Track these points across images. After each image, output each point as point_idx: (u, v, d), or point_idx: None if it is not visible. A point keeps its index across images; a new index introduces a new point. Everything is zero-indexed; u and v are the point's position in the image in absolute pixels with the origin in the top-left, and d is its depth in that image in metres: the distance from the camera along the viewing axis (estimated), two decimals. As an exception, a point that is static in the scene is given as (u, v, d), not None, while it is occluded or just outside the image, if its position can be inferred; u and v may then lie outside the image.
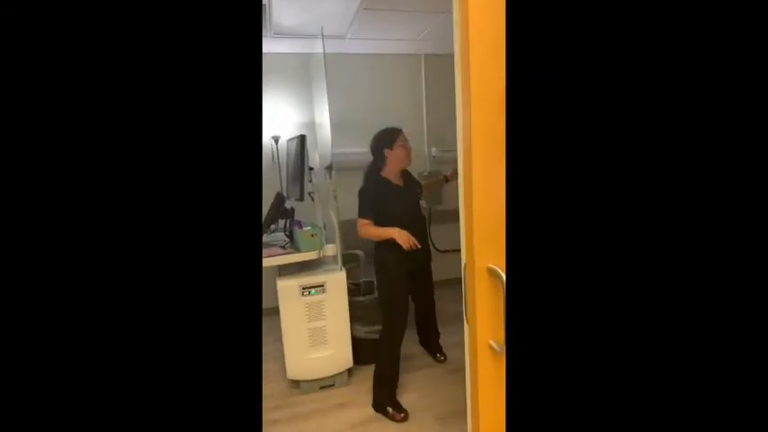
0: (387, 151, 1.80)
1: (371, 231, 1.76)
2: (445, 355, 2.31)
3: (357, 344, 2.15)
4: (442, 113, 3.29)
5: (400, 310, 1.81)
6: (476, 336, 0.85)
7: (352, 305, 2.09)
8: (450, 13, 2.35)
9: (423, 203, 1.90)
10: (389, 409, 1.84)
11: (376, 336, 2.21)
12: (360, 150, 3.15)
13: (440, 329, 2.43)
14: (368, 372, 2.20)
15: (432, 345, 2.31)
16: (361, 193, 1.81)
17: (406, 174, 1.91)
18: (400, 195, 1.83)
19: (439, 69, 3.25)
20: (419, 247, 1.70)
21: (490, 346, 0.85)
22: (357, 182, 3.14)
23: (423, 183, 2.06)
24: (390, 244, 1.71)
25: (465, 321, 0.92)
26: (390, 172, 1.82)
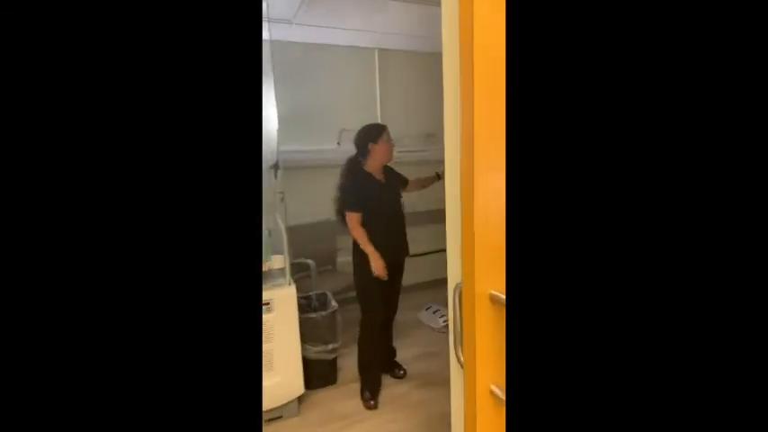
0: (371, 145, 1.84)
1: (357, 233, 1.79)
2: (404, 369, 2.13)
3: (308, 366, 1.90)
4: (398, 113, 3.13)
5: (375, 300, 1.86)
6: (474, 381, 0.67)
7: (302, 323, 1.84)
8: (412, 3, 2.18)
9: (402, 201, 1.95)
10: (366, 394, 1.90)
11: (330, 356, 1.98)
12: (308, 148, 2.90)
13: (397, 340, 2.25)
14: (321, 396, 1.96)
15: (387, 363, 2.12)
16: (345, 186, 1.86)
17: (387, 169, 1.94)
18: (382, 190, 1.86)
19: (394, 66, 3.08)
20: (386, 279, 1.79)
21: (492, 393, 0.67)
22: (306, 182, 2.89)
23: (411, 179, 2.08)
24: (372, 232, 1.78)
25: (458, 363, 0.74)
26: (373, 166, 1.86)
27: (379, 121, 3.09)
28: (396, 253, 1.91)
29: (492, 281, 0.64)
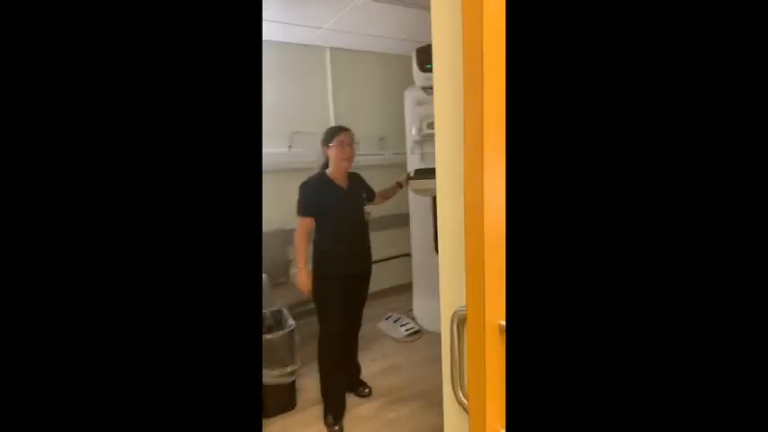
0: (324, 149, 1.74)
1: (298, 241, 1.70)
2: (369, 387, 2.01)
3: (265, 393, 1.72)
4: (351, 115, 3.01)
5: (337, 311, 1.70)
6: (483, 427, 0.57)
7: (256, 346, 1.65)
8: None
9: (367, 209, 1.84)
10: (329, 418, 1.75)
11: (288, 379, 1.81)
12: (269, 151, 2.68)
13: (358, 355, 2.12)
14: (279, 425, 1.78)
15: (351, 382, 1.98)
16: (300, 188, 1.72)
17: (353, 177, 1.81)
18: (340, 197, 1.71)
19: (347, 66, 2.95)
20: (307, 294, 1.72)
21: (503, 439, 0.57)
22: (272, 186, 2.66)
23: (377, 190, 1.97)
24: (330, 240, 1.67)
25: (459, 405, 0.63)
26: (334, 172, 1.72)
27: (332, 124, 2.95)
28: (359, 263, 1.79)
29: (503, 310, 0.55)
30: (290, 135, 2.74)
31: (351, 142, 1.72)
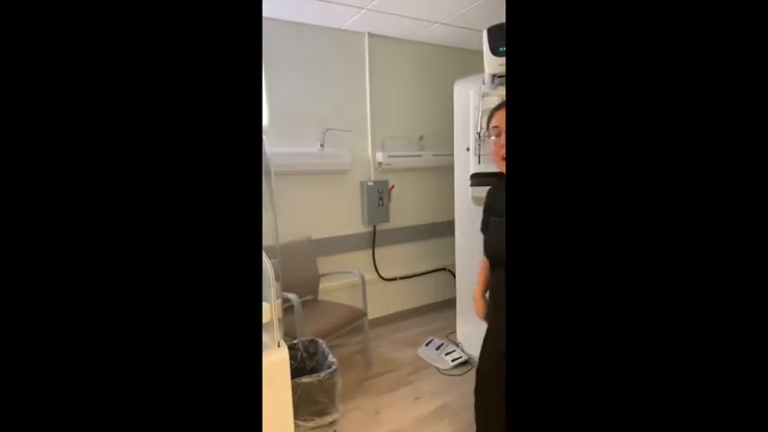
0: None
1: (480, 267, 1.27)
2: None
3: (299, 449, 1.38)
4: (388, 111, 2.67)
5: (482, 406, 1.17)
6: None
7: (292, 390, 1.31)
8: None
9: None
10: None
11: (327, 430, 1.46)
12: (297, 150, 2.32)
13: (393, 393, 1.75)
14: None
15: None
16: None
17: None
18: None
19: (386, 53, 2.61)
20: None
21: None
22: (300, 191, 2.34)
23: None
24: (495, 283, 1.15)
25: None
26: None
27: (369, 119, 2.60)
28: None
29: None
30: (322, 133, 2.41)
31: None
